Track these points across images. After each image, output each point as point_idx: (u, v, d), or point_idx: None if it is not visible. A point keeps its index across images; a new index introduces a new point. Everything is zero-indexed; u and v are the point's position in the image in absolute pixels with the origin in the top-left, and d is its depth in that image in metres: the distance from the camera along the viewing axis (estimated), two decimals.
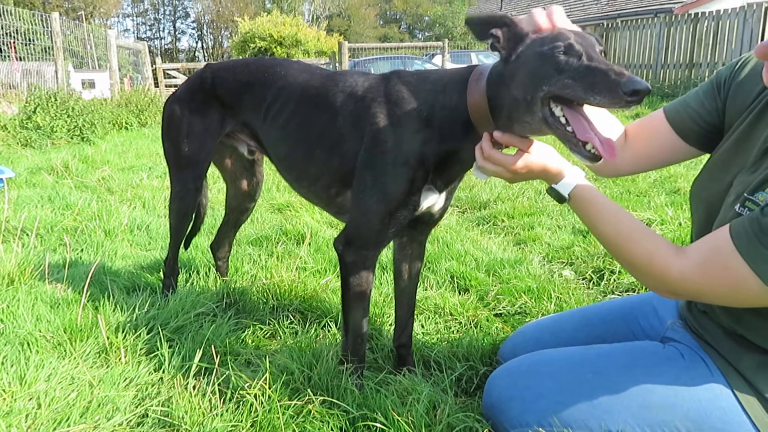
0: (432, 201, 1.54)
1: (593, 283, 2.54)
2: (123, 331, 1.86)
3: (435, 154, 1.45)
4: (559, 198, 1.33)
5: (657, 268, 1.20)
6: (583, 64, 1.15)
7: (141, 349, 1.81)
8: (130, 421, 1.50)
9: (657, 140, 1.48)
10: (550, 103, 1.22)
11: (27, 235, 2.97)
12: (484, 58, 21.28)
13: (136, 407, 1.54)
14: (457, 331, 2.07)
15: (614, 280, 2.49)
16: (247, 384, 1.54)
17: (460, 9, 33.46)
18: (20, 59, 11.92)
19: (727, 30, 11.40)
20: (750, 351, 1.23)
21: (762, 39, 10.75)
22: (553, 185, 1.34)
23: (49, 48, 10.80)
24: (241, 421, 1.45)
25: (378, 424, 1.40)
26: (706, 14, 11.97)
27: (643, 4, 19.88)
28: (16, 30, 11.23)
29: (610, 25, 14.61)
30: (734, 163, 1.27)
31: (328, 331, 2.03)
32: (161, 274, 2.40)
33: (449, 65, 15.14)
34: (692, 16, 12.28)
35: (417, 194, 1.48)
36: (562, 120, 1.22)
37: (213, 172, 2.21)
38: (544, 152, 1.34)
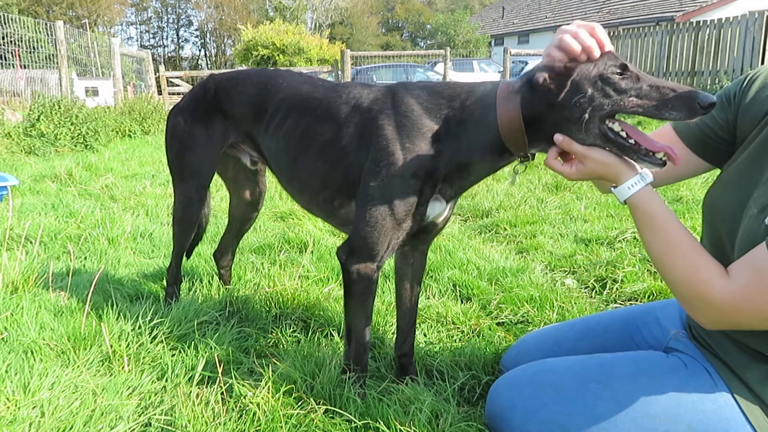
0: (438, 211, 1.55)
1: (596, 292, 2.54)
2: (126, 340, 1.87)
3: (446, 166, 1.46)
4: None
5: (700, 285, 1.16)
6: (646, 82, 1.25)
7: (144, 358, 1.82)
8: (134, 429, 1.50)
9: None
10: (606, 120, 1.27)
11: (31, 243, 2.98)
12: (486, 65, 21.37)
13: (140, 416, 1.54)
14: (460, 340, 2.07)
15: (617, 290, 2.49)
16: (250, 393, 1.54)
17: (461, 17, 33.53)
18: (24, 67, 12.00)
19: (729, 38, 11.40)
20: (758, 362, 1.22)
21: (764, 47, 10.75)
22: (611, 188, 1.33)
23: (52, 56, 10.85)
24: (244, 429, 1.45)
25: None
26: (708, 22, 11.98)
27: (645, 12, 19.95)
28: (20, 38, 11.31)
29: (611, 33, 14.63)
30: (751, 176, 1.25)
31: (331, 339, 2.03)
32: (164, 282, 2.41)
33: (451, 73, 15.19)
34: (694, 24, 12.29)
35: (424, 205, 1.49)
36: (623, 134, 1.29)
37: (216, 180, 2.22)
38: (601, 160, 1.31)
